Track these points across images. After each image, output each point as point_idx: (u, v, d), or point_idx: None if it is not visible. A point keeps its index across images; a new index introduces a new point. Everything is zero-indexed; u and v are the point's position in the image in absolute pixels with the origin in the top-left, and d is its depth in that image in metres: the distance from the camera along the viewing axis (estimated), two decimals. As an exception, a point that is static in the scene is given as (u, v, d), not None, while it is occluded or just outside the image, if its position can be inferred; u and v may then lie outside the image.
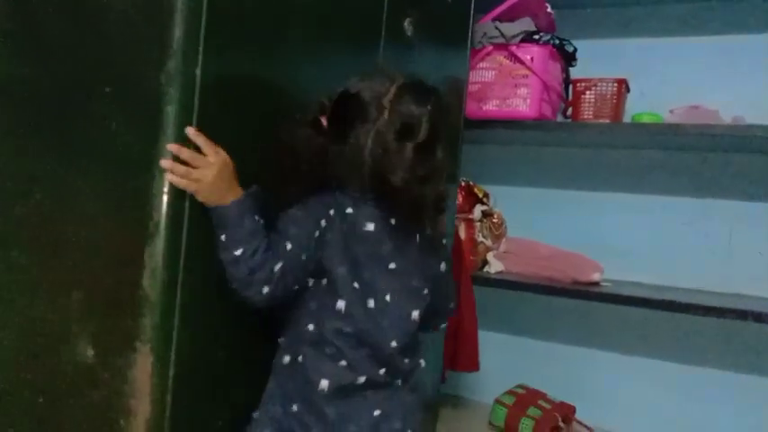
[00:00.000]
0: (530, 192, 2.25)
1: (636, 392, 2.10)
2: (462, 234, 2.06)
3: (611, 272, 2.01)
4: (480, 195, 2.10)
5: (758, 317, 1.63)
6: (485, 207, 2.12)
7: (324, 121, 0.95)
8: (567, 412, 2.06)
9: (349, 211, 0.94)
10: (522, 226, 2.20)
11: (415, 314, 0.99)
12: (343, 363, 0.93)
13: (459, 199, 2.06)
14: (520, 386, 2.14)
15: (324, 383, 0.91)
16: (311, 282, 0.95)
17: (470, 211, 2.10)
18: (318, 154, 0.93)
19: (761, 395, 1.91)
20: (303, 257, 0.91)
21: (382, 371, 0.96)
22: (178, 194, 0.79)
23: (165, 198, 0.78)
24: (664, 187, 2.06)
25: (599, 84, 1.89)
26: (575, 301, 2.04)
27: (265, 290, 0.86)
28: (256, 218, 0.88)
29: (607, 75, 1.93)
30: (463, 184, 2.08)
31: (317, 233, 0.92)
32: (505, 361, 2.27)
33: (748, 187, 1.96)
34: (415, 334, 1.01)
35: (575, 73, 2.03)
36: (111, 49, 0.81)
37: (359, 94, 0.92)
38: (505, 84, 1.90)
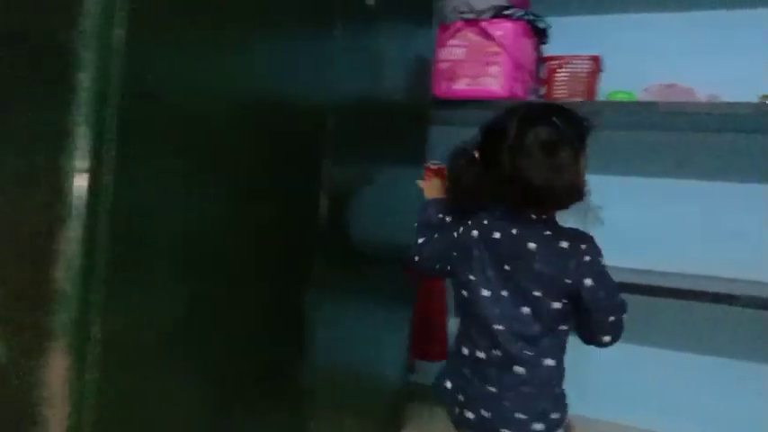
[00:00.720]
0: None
1: (618, 378, 2.05)
2: (432, 219, 1.98)
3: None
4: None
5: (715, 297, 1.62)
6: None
7: (476, 155, 1.19)
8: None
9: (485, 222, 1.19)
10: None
11: (525, 310, 1.13)
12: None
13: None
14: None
15: None
16: None
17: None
18: (475, 181, 1.18)
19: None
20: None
21: (496, 351, 1.14)
22: (97, 173, 0.69)
23: (81, 177, 0.68)
24: (642, 167, 2.00)
25: (572, 61, 1.82)
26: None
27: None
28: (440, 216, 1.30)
29: (580, 52, 1.86)
30: (434, 167, 2.00)
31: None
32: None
33: (726, 167, 1.91)
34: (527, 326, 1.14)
35: (547, 51, 1.96)
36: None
37: (490, 126, 1.19)
38: (476, 61, 1.81)
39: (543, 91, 1.90)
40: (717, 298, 1.62)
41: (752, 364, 1.89)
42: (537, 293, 1.12)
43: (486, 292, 1.16)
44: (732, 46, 1.91)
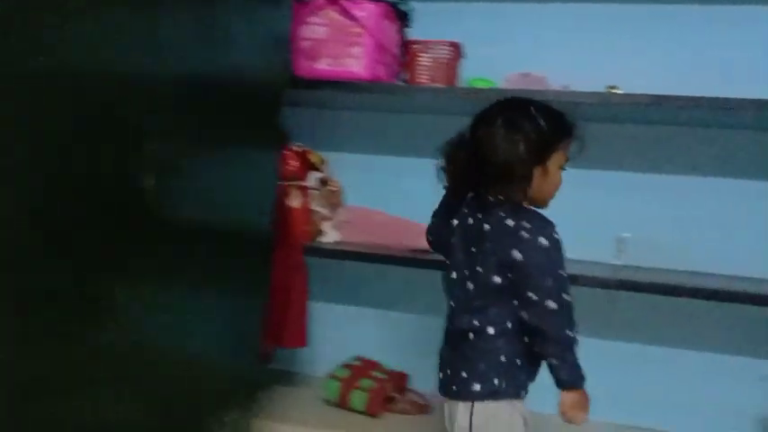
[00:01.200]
0: (369, 159, 2.16)
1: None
2: (296, 203, 1.94)
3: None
4: (315, 162, 1.98)
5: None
6: (321, 174, 2.01)
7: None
8: (400, 381, 2.04)
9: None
10: (362, 194, 2.12)
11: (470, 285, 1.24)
12: None
13: (293, 166, 1.94)
14: (357, 358, 2.09)
15: None
16: None
17: (305, 178, 1.98)
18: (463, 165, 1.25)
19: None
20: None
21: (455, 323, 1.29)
22: None
23: None
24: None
25: (433, 47, 1.83)
26: (412, 269, 2.00)
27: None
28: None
29: (444, 39, 1.88)
30: (297, 150, 1.95)
31: None
32: (345, 333, 2.21)
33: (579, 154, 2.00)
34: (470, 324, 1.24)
35: (412, 36, 1.96)
36: None
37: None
38: (338, 41, 1.78)
39: (406, 76, 1.90)
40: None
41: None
42: (479, 269, 1.21)
43: (454, 275, 1.30)
44: (585, 38, 2.00)
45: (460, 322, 1.26)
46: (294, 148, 1.94)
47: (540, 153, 1.20)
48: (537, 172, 1.21)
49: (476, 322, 1.23)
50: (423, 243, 1.93)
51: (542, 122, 1.20)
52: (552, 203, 1.31)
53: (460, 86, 1.85)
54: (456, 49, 1.83)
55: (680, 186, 1.94)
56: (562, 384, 1.18)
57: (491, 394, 1.20)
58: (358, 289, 2.20)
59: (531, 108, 1.21)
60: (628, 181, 1.97)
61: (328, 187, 2.02)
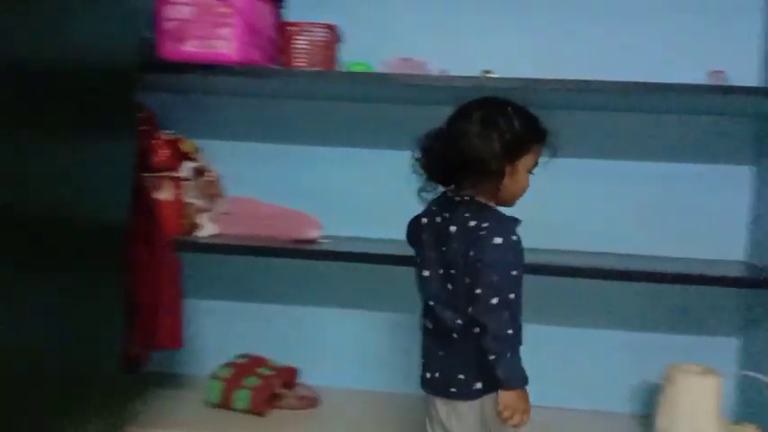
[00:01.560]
0: (249, 147, 2.07)
1: (363, 346, 2.08)
2: (167, 195, 1.82)
3: (334, 227, 1.95)
4: (189, 151, 1.87)
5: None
6: (195, 164, 1.89)
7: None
8: (289, 376, 1.98)
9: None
10: (244, 184, 2.03)
11: (449, 287, 1.25)
12: None
13: (163, 155, 1.82)
14: (242, 355, 2.00)
15: None
16: None
17: (178, 168, 1.86)
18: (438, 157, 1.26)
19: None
20: None
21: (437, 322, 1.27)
22: None
23: None
24: (381, 141, 2.03)
25: (309, 29, 1.76)
26: (298, 260, 1.95)
27: None
28: None
29: (321, 21, 1.81)
30: (168, 138, 1.83)
31: None
32: (230, 330, 2.11)
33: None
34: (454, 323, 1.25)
35: (289, 19, 1.88)
36: None
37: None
38: (205, 22, 1.67)
39: (282, 59, 1.82)
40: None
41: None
42: (452, 271, 1.24)
43: (426, 273, 1.31)
44: (463, 23, 1.99)
45: (444, 321, 1.26)
46: (164, 137, 1.82)
47: (512, 152, 1.22)
48: (507, 170, 1.23)
49: (459, 321, 1.24)
50: (309, 233, 1.89)
51: (517, 123, 1.23)
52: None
53: (337, 70, 1.79)
54: (332, 31, 1.77)
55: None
56: (499, 382, 1.17)
57: (494, 387, 1.21)
58: (242, 284, 2.11)
59: (509, 108, 1.24)
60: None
61: (204, 177, 1.92)
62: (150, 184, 1.76)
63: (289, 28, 1.79)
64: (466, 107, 1.26)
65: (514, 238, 1.20)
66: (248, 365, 1.95)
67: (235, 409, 1.84)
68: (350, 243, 1.87)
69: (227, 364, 1.93)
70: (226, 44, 1.67)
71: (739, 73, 1.79)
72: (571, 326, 1.99)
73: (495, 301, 1.15)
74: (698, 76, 1.74)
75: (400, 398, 1.96)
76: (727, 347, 1.96)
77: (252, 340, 2.07)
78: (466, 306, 1.20)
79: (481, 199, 1.25)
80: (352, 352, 2.08)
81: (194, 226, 1.88)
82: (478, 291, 1.17)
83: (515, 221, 1.23)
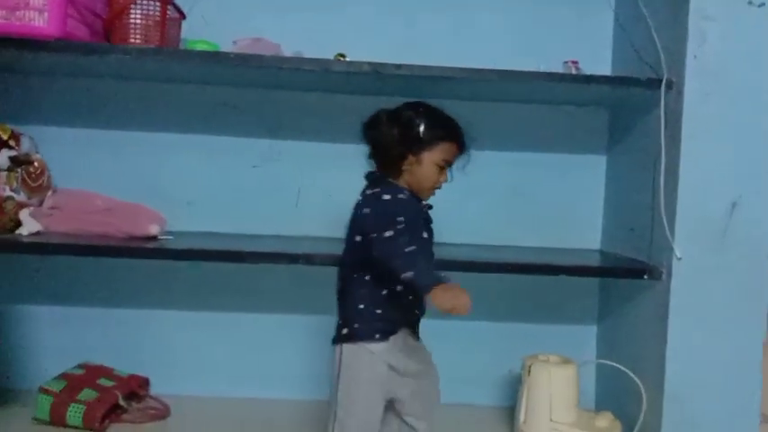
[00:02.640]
0: (83, 133, 1.86)
1: (217, 350, 1.94)
2: (-24, 187, 1.59)
3: (178, 222, 1.80)
4: (5, 137, 1.65)
5: (309, 259, 1.58)
6: (14, 152, 1.67)
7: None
8: (137, 386, 1.81)
9: None
10: (76, 174, 1.83)
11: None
12: None
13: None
14: (80, 365, 1.81)
15: None
16: None
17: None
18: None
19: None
20: None
21: None
22: None
23: None
24: (230, 127, 1.89)
25: (139, 1, 1.58)
26: (137, 259, 1.77)
27: None
28: None
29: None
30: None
31: None
32: (68, 337, 1.91)
33: (311, 126, 1.90)
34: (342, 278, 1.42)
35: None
36: None
37: None
38: (14, -11, 1.46)
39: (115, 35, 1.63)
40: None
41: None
42: (348, 233, 1.39)
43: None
44: (317, 5, 1.89)
45: (338, 282, 1.42)
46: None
47: (414, 143, 1.36)
48: (411, 159, 1.37)
49: (342, 279, 1.41)
50: (149, 229, 1.71)
51: (423, 119, 1.37)
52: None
53: (173, 49, 1.63)
54: (165, 4, 1.60)
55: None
56: (426, 290, 1.20)
57: (351, 337, 1.35)
58: (79, 286, 1.91)
59: (420, 108, 1.38)
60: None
61: (26, 167, 1.70)
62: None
63: (118, 1, 1.60)
64: (393, 107, 1.41)
65: (402, 197, 1.35)
66: (86, 376, 1.76)
67: (69, 426, 1.65)
68: (195, 239, 1.72)
69: (61, 376, 1.74)
70: (38, 15, 1.47)
71: (592, 63, 1.80)
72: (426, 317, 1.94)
73: (390, 233, 1.27)
74: (553, 67, 1.72)
75: (259, 403, 1.85)
76: (586, 336, 1.98)
77: (95, 348, 1.88)
78: (350, 261, 1.38)
79: (392, 180, 1.38)
80: (204, 357, 1.93)
81: (14, 223, 1.66)
82: (373, 234, 1.29)
83: (411, 194, 1.37)
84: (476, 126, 1.89)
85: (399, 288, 1.34)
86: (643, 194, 1.69)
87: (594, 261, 1.81)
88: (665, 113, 1.58)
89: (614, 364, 1.73)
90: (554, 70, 1.69)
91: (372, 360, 1.35)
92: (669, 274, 1.57)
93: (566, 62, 1.80)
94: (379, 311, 1.36)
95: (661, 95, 1.58)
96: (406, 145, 1.35)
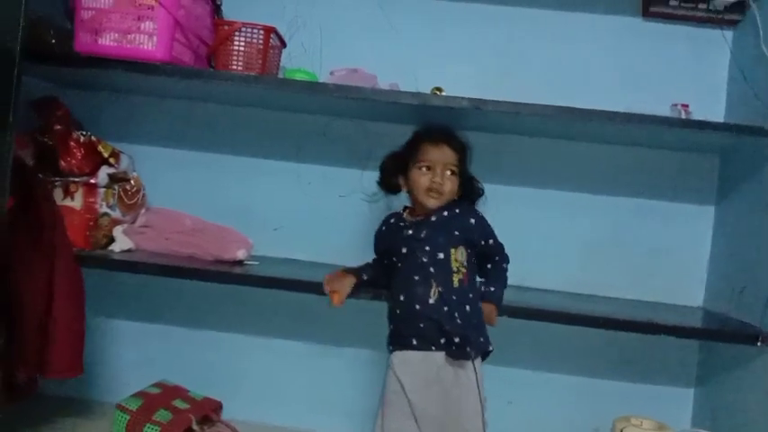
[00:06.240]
0: (178, 154, 1.90)
1: (291, 378, 1.91)
2: (76, 202, 1.64)
3: (263, 247, 1.80)
4: (106, 155, 1.69)
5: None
6: (113, 170, 1.71)
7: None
8: (210, 410, 1.80)
9: None
10: (170, 194, 1.86)
11: None
12: None
13: (76, 158, 1.64)
14: (156, 384, 1.81)
15: None
16: None
17: (94, 174, 1.68)
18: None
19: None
20: None
21: None
22: None
23: None
24: (322, 156, 1.88)
25: (244, 29, 1.60)
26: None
27: None
28: None
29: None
30: (82, 139, 1.65)
31: None
32: (148, 354, 1.93)
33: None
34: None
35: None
36: None
37: None
38: (127, 14, 1.51)
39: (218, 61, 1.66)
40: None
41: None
42: None
43: None
44: (416, 36, 1.87)
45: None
46: (79, 138, 1.64)
47: (394, 169, 1.50)
48: (402, 181, 1.49)
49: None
50: (236, 253, 1.72)
51: (404, 144, 1.51)
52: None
53: (273, 76, 1.64)
54: (269, 33, 1.61)
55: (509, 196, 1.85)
56: None
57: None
58: (163, 304, 1.93)
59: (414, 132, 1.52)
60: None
61: (123, 185, 1.74)
62: (55, 188, 1.59)
63: (223, 27, 1.63)
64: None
65: (381, 223, 1.55)
66: (162, 396, 1.76)
67: (143, 445, 1.65)
68: (279, 266, 1.71)
69: (138, 394, 1.74)
70: (148, 39, 1.51)
71: (703, 106, 1.69)
72: (511, 366, 1.84)
73: None
74: (660, 108, 1.63)
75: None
76: (682, 400, 1.83)
77: (172, 367, 1.89)
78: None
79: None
80: (278, 385, 1.91)
81: (108, 238, 1.70)
82: None
83: (387, 218, 1.54)
84: (575, 167, 1.84)
85: None
86: (758, 251, 1.55)
87: (697, 320, 1.67)
88: (789, 165, 1.46)
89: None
90: (661, 112, 1.60)
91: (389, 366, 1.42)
92: (785, 343, 1.43)
93: (674, 105, 1.70)
94: (390, 323, 1.46)
95: (785, 145, 1.46)
96: (394, 171, 1.50)
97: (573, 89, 1.73)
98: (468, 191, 1.50)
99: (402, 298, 1.40)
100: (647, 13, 1.83)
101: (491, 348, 1.42)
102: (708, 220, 1.82)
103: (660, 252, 1.82)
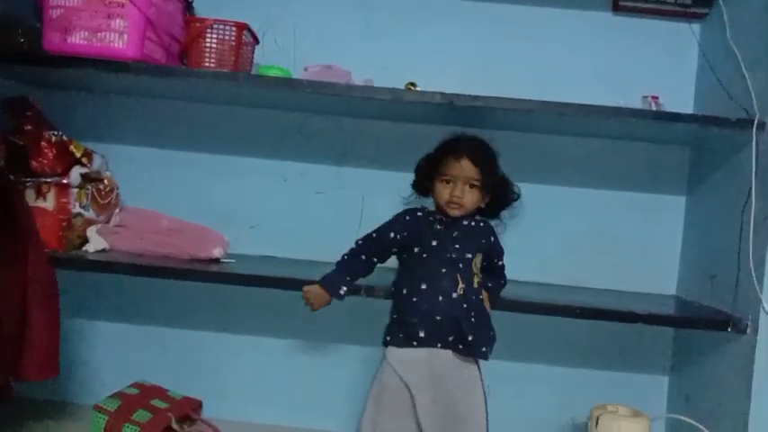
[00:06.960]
0: (152, 153, 1.88)
1: (271, 376, 1.91)
2: (49, 203, 1.62)
3: (240, 245, 1.80)
4: (79, 155, 1.67)
5: (369, 290, 1.55)
6: (86, 170, 1.70)
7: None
8: (190, 409, 1.79)
9: None
10: (144, 194, 1.85)
11: None
12: None
13: (47, 158, 1.62)
14: (135, 385, 1.80)
15: None
16: None
17: (66, 174, 1.66)
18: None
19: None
20: None
21: None
22: None
23: None
24: (298, 153, 1.88)
25: (216, 26, 1.59)
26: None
27: None
28: None
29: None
30: (54, 139, 1.63)
31: None
32: (126, 354, 1.91)
33: (378, 154, 1.86)
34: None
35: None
36: None
37: None
38: (96, 12, 1.49)
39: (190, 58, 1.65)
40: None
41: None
42: None
43: None
44: (391, 34, 1.87)
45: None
46: (50, 138, 1.62)
47: (426, 174, 1.52)
48: (431, 185, 1.50)
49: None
50: (212, 251, 1.71)
51: (433, 151, 1.52)
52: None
53: (246, 73, 1.63)
54: (241, 30, 1.60)
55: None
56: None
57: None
58: (140, 304, 1.91)
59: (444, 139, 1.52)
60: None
61: (96, 185, 1.72)
62: (27, 189, 1.57)
63: (195, 24, 1.62)
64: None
65: (400, 212, 1.54)
66: (140, 397, 1.74)
67: (121, 446, 1.64)
68: (256, 264, 1.71)
69: (115, 395, 1.73)
70: (118, 38, 1.50)
71: (673, 99, 1.72)
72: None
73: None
74: (631, 101, 1.65)
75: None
76: (656, 387, 1.86)
77: (150, 368, 1.88)
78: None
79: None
80: (258, 383, 1.90)
81: (82, 239, 1.68)
82: None
83: (413, 209, 1.54)
84: (549, 160, 1.85)
85: None
86: (727, 240, 1.59)
87: (670, 308, 1.70)
88: (757, 154, 1.48)
89: (690, 420, 1.61)
90: (632, 105, 1.61)
91: (384, 359, 1.47)
92: (755, 328, 1.46)
93: (645, 97, 1.73)
94: (395, 316, 1.49)
95: (752, 136, 1.49)
96: (425, 176, 1.52)
97: (546, 83, 1.74)
98: (499, 197, 1.53)
99: (424, 287, 1.42)
100: (617, 8, 1.85)
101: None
102: (679, 210, 1.86)
103: (633, 242, 1.85)
